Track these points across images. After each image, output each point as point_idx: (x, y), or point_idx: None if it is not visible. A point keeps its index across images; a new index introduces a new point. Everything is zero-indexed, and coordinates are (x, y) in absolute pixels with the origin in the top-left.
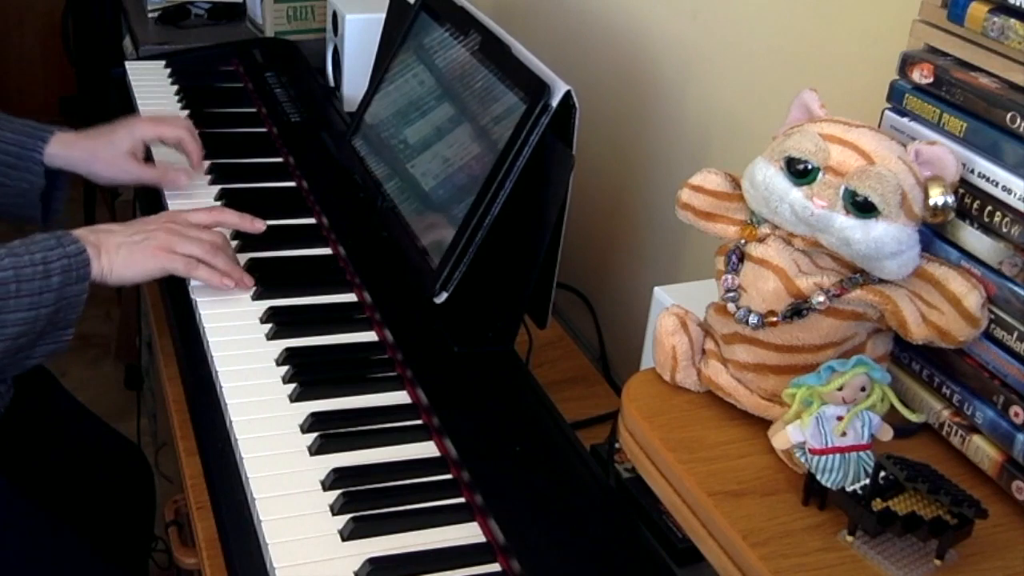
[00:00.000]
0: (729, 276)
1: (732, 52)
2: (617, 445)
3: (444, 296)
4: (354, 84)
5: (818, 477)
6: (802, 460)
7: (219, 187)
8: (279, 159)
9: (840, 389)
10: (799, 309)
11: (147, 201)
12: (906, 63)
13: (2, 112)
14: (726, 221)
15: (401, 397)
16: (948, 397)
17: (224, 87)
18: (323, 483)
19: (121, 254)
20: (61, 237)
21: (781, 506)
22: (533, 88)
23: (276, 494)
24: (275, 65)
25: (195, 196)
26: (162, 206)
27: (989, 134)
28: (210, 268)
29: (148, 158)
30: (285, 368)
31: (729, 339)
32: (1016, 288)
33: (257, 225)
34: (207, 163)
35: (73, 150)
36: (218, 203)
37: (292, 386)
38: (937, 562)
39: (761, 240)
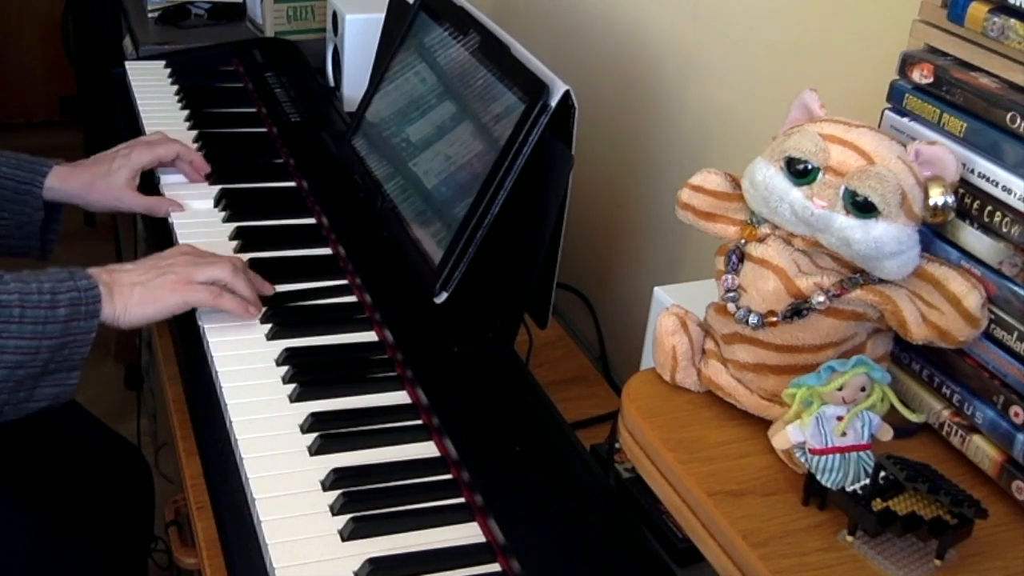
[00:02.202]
0: (729, 276)
1: (732, 52)
2: (617, 445)
3: (444, 296)
4: (354, 84)
5: (818, 477)
6: (802, 460)
7: (219, 187)
8: (279, 159)
9: (840, 389)
10: (799, 309)
11: None
12: (906, 63)
13: None
14: (726, 221)
15: (401, 397)
16: (948, 397)
17: (224, 87)
18: (323, 483)
19: (136, 293)
20: (74, 272)
21: (781, 506)
22: (532, 88)
23: (276, 494)
24: (275, 65)
25: (195, 196)
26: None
27: (989, 134)
28: (234, 297)
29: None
30: (285, 368)
31: (729, 339)
32: (1016, 288)
33: (266, 289)
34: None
35: (70, 183)
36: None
37: (292, 386)
38: (937, 562)
39: (761, 240)
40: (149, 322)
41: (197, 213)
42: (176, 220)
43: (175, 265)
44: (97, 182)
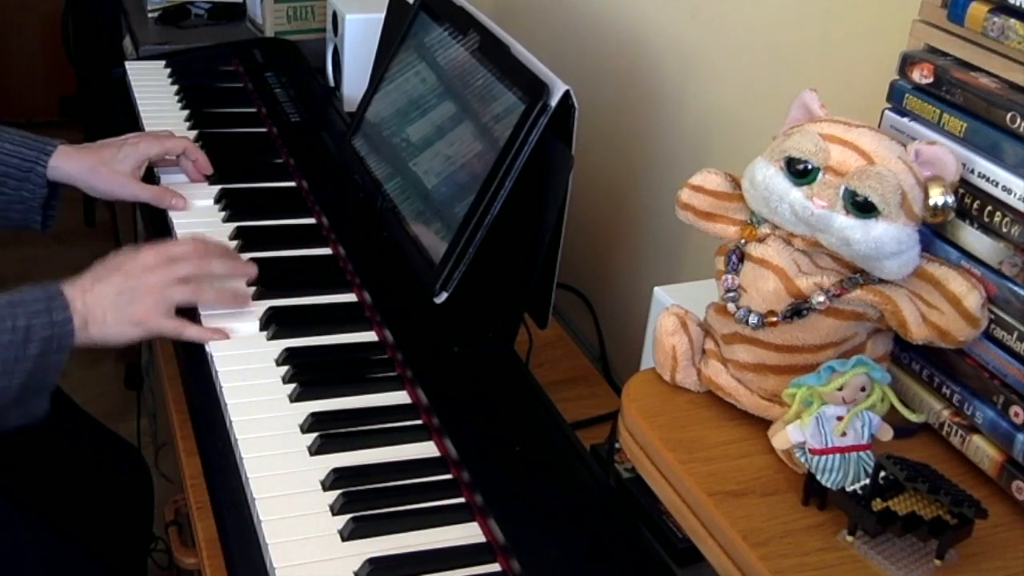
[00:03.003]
0: (729, 276)
1: (732, 52)
2: (617, 445)
3: (444, 296)
4: (354, 84)
5: (818, 477)
6: (802, 460)
7: (219, 187)
8: (279, 159)
9: (840, 389)
10: (799, 309)
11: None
12: (906, 63)
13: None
14: (726, 221)
15: (401, 397)
16: (948, 397)
17: (224, 87)
18: (323, 483)
19: (109, 320)
20: (52, 301)
21: (781, 506)
22: (532, 88)
23: (276, 494)
24: (275, 65)
25: (195, 196)
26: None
27: (989, 134)
28: (199, 328)
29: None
30: (285, 368)
31: (729, 339)
32: (1016, 288)
33: (248, 269)
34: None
35: (74, 164)
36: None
37: (292, 386)
38: (937, 562)
39: (761, 240)
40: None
41: (197, 212)
42: (176, 220)
43: (142, 291)
44: (101, 167)
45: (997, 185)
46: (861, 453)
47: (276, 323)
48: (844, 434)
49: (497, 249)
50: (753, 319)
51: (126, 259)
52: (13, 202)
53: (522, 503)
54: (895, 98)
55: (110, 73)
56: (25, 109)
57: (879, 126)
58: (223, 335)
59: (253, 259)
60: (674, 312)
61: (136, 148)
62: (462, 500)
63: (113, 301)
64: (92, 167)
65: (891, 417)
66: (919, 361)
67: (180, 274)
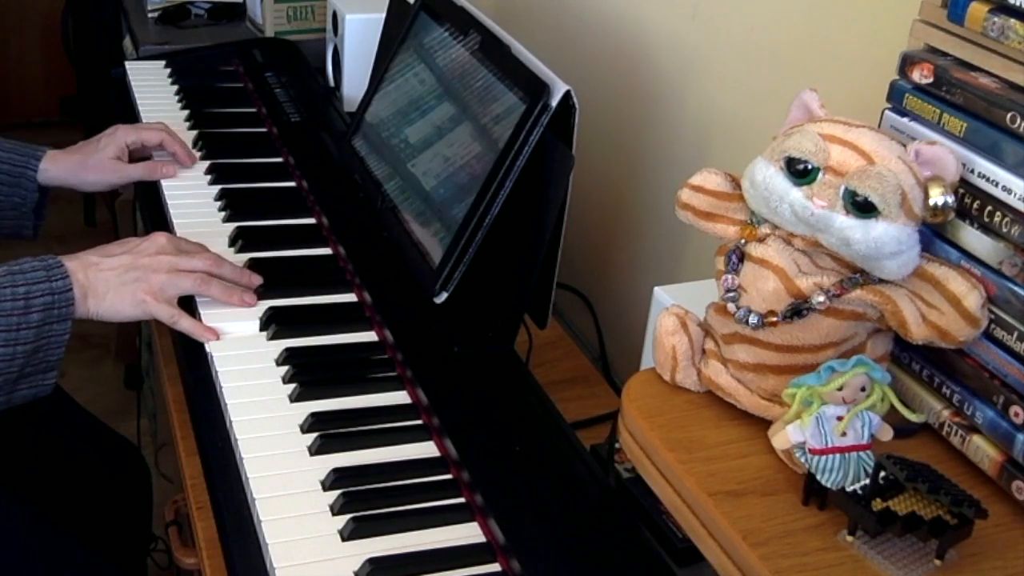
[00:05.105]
0: (729, 276)
1: (732, 52)
2: (617, 445)
3: (444, 296)
4: (354, 84)
5: (818, 477)
6: (802, 460)
7: (219, 187)
8: (279, 159)
9: (840, 389)
10: (799, 309)
11: (147, 200)
12: (906, 63)
13: None
14: (726, 221)
15: (401, 397)
16: (948, 397)
17: (224, 87)
18: (323, 483)
19: (108, 298)
20: (50, 268)
21: (781, 506)
22: (533, 88)
23: (276, 494)
24: (275, 65)
25: (195, 196)
26: (162, 204)
27: (989, 134)
28: (192, 320)
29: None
30: (285, 368)
31: (729, 339)
32: (1016, 288)
33: (254, 280)
34: (207, 163)
35: (63, 165)
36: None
37: (292, 386)
38: (937, 562)
39: (761, 240)
40: (116, 321)
41: (197, 212)
42: (177, 220)
43: (150, 270)
44: (89, 160)
45: (997, 185)
46: (861, 453)
47: (276, 323)
48: (844, 434)
49: (497, 249)
50: (753, 319)
51: (138, 240)
52: (6, 208)
53: (522, 503)
54: (895, 98)
55: (110, 73)
56: (25, 109)
57: (879, 126)
58: (214, 335)
59: (253, 259)
60: (674, 312)
61: (113, 137)
62: (462, 500)
63: (119, 278)
64: (79, 163)
65: (891, 417)
66: (919, 361)
67: (193, 266)
